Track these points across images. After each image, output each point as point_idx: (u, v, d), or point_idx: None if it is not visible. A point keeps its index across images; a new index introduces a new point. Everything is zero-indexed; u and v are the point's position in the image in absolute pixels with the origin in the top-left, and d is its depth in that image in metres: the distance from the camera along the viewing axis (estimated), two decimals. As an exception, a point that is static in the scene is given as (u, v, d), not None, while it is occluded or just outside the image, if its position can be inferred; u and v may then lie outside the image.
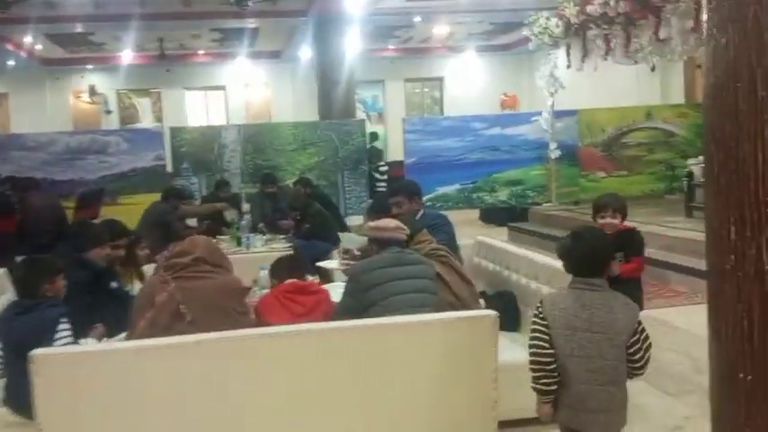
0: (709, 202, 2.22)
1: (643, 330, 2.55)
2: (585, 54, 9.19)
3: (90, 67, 17.55)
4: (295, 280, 3.52)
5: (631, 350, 2.53)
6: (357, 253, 4.81)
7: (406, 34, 16.21)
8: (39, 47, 15.33)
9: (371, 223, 3.69)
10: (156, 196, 7.83)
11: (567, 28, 9.23)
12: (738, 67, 2.00)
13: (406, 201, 4.59)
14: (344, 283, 3.62)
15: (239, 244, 7.53)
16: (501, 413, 3.16)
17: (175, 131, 10.78)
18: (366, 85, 17.99)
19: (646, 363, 2.58)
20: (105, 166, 10.15)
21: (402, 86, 18.78)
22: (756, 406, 2.02)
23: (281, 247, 7.63)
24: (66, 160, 10.01)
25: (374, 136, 13.81)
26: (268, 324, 3.30)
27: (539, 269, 4.12)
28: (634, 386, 2.77)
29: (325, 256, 6.27)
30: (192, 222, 8.71)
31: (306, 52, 14.99)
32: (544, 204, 10.88)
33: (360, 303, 3.42)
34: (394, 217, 3.91)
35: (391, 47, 17.71)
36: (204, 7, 11.92)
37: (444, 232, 4.46)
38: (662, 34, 7.44)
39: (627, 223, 3.79)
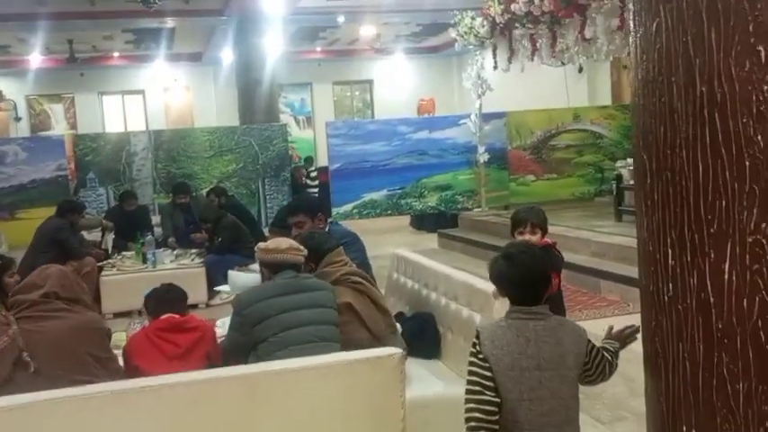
0: (641, 221, 1.83)
1: (593, 350, 2.21)
2: (512, 54, 9.06)
3: (-6, 71, 16.46)
4: (173, 315, 2.98)
5: (583, 375, 2.20)
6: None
7: (332, 36, 15.77)
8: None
9: (261, 244, 3.19)
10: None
11: (493, 28, 9.08)
12: (672, 58, 1.62)
13: (308, 219, 4.04)
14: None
15: (144, 261, 7.00)
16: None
17: (79, 139, 10.04)
18: (293, 89, 17.52)
19: (605, 377, 2.28)
20: (2, 177, 9.38)
21: (330, 89, 18.37)
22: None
23: (191, 264, 7.09)
24: (-42, 172, 9.19)
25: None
26: (137, 369, 2.79)
27: (458, 288, 3.70)
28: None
29: (240, 272, 5.76)
30: (95, 236, 8.08)
31: (228, 54, 14.38)
32: (474, 210, 10.62)
33: (248, 339, 2.93)
34: (295, 238, 3.42)
35: (318, 49, 17.29)
36: (111, 6, 11.16)
37: (355, 250, 4.00)
38: (587, 33, 7.36)
39: (546, 239, 3.43)
